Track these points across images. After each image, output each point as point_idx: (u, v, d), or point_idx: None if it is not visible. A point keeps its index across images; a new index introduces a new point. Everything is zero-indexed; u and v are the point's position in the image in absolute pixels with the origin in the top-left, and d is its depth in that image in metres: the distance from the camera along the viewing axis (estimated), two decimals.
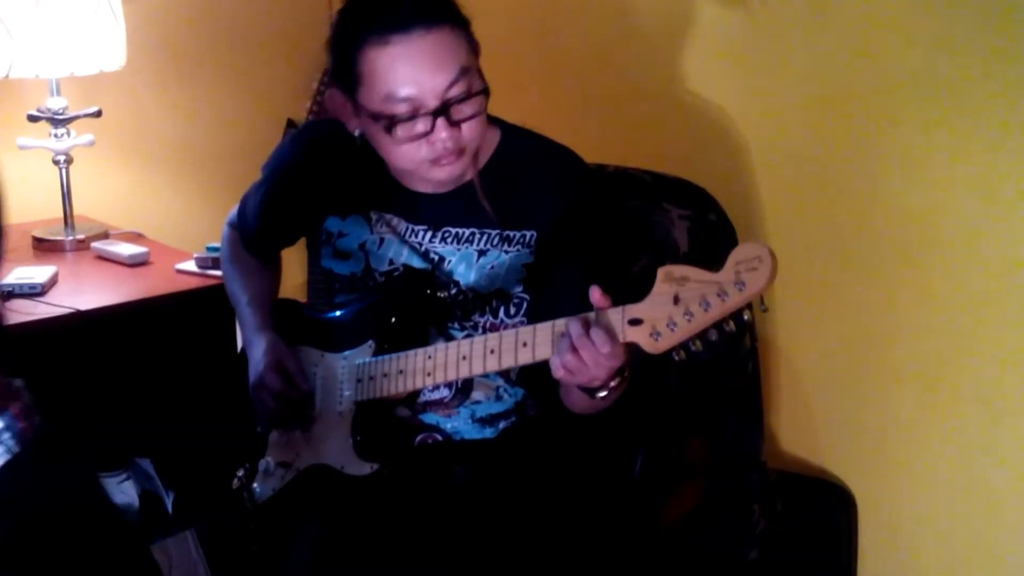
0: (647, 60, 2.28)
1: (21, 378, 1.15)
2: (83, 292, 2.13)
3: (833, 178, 2.02)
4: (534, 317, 1.57)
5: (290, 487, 1.65)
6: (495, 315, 1.61)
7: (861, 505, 2.09)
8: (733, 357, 1.84)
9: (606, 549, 1.61)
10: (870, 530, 2.08)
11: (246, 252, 1.83)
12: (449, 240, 1.61)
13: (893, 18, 1.89)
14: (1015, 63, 1.75)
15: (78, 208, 2.44)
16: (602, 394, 1.42)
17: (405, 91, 1.46)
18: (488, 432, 1.66)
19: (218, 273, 2.10)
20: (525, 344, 1.41)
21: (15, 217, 2.48)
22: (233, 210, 1.85)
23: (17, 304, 2.04)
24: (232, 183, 2.12)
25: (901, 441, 2.02)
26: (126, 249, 2.32)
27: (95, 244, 2.36)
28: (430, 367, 1.52)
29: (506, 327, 1.56)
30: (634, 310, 1.32)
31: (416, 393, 1.62)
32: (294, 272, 2.11)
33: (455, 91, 1.47)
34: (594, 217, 1.61)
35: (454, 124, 1.48)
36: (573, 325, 1.35)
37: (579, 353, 1.34)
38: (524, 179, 1.59)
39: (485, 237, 1.60)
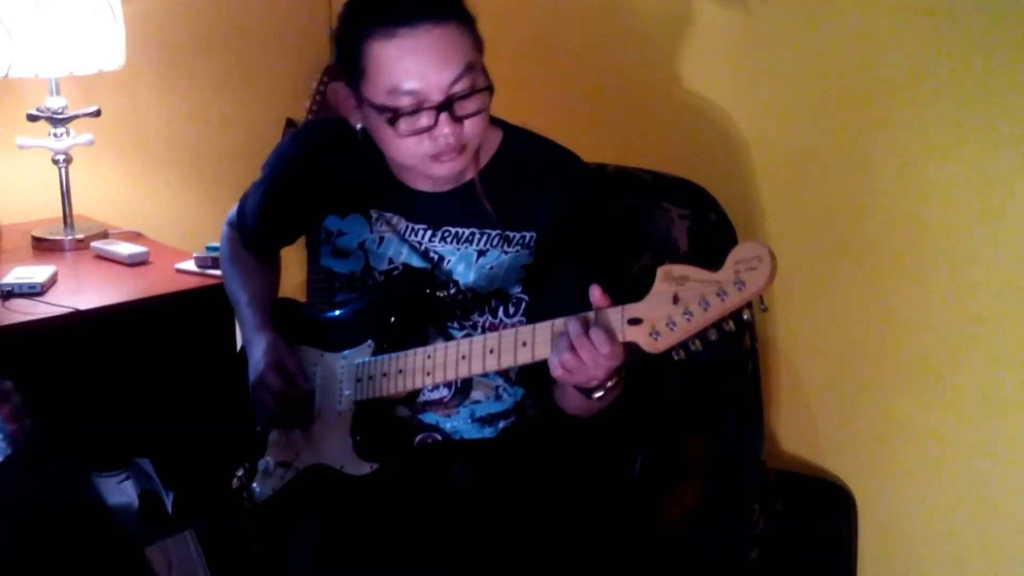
0: (647, 60, 2.28)
1: (11, 380, 1.15)
2: (82, 292, 2.13)
3: (833, 177, 2.02)
4: (533, 317, 1.56)
5: (290, 487, 1.65)
6: (494, 315, 1.61)
7: (861, 505, 2.08)
8: (733, 357, 1.84)
9: (606, 549, 1.61)
10: (870, 530, 2.08)
11: (245, 251, 1.83)
12: (449, 240, 1.61)
13: (892, 18, 1.89)
14: (1014, 63, 1.75)
15: (77, 208, 2.44)
16: (598, 394, 1.42)
17: (410, 84, 1.45)
18: (488, 432, 1.66)
19: (218, 273, 2.10)
20: (524, 344, 1.41)
21: (14, 217, 2.48)
22: (232, 209, 1.85)
23: (16, 304, 2.04)
24: (232, 183, 2.12)
25: (901, 441, 2.02)
26: (125, 249, 2.32)
27: (94, 244, 2.36)
28: (429, 366, 1.52)
29: (505, 327, 1.56)
30: (633, 309, 1.32)
31: (416, 393, 1.62)
32: (293, 272, 2.11)
33: (459, 87, 1.47)
34: (594, 218, 1.61)
35: (457, 120, 1.47)
36: (572, 324, 1.35)
37: (577, 352, 1.34)
38: (525, 180, 1.59)
39: (485, 237, 1.60)
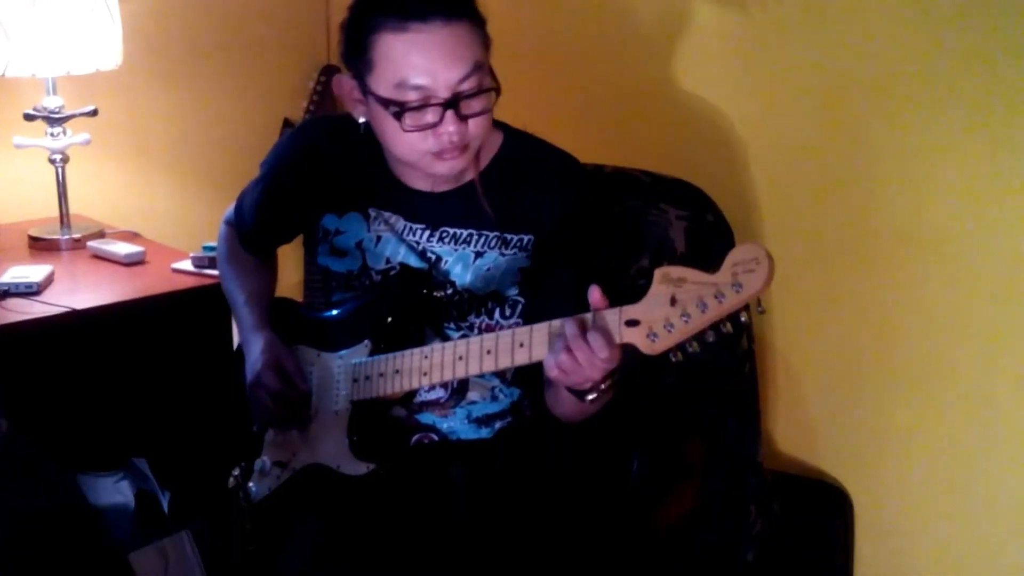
0: (645, 61, 2.28)
1: None
2: (79, 291, 2.13)
3: (831, 179, 2.02)
4: (530, 318, 1.56)
5: (286, 487, 1.65)
6: (490, 316, 1.61)
7: (858, 507, 2.08)
8: (730, 358, 1.84)
9: (603, 550, 1.61)
10: (867, 532, 2.08)
11: (243, 249, 1.83)
12: (447, 240, 1.61)
13: (891, 18, 1.89)
14: (1014, 63, 1.75)
15: (74, 207, 2.44)
16: (591, 396, 1.41)
17: (418, 79, 1.45)
18: (484, 432, 1.66)
19: (214, 272, 2.10)
20: (522, 345, 1.41)
21: (11, 216, 2.48)
22: (230, 207, 1.85)
23: (13, 303, 2.04)
24: (228, 182, 2.12)
25: (898, 442, 2.02)
26: (122, 248, 2.32)
27: (91, 243, 2.36)
28: (427, 367, 1.52)
29: (501, 328, 1.56)
30: (631, 311, 1.31)
31: (412, 393, 1.62)
32: (290, 272, 2.11)
33: (467, 85, 1.47)
34: (593, 221, 1.61)
35: (462, 118, 1.48)
36: (569, 326, 1.35)
37: (574, 354, 1.34)
38: (524, 183, 1.59)
39: (483, 239, 1.60)
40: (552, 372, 1.38)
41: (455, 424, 1.65)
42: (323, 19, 2.93)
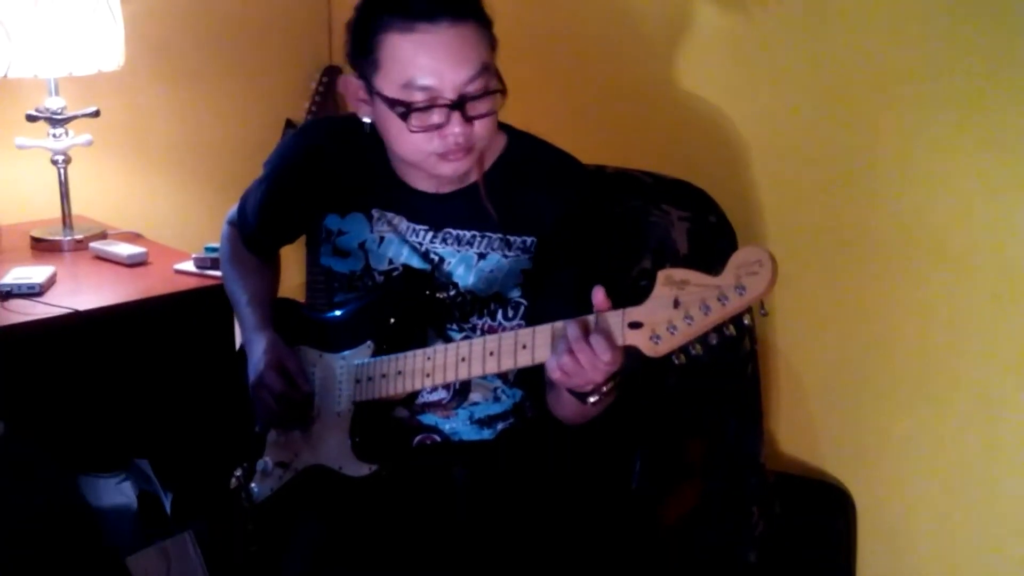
0: (647, 61, 2.28)
1: None
2: (81, 292, 2.13)
3: (832, 179, 2.02)
4: (532, 320, 1.57)
5: (288, 487, 1.65)
6: (493, 318, 1.61)
7: (860, 507, 2.08)
8: (733, 359, 1.84)
9: (605, 551, 1.61)
10: (869, 532, 2.08)
11: (246, 250, 1.83)
12: (450, 241, 1.61)
13: (892, 18, 1.89)
14: (1015, 63, 1.75)
15: (76, 208, 2.44)
16: (593, 399, 1.41)
17: (425, 80, 1.45)
18: (486, 433, 1.66)
19: (216, 274, 2.10)
20: (524, 346, 1.41)
21: (13, 217, 2.48)
22: (233, 208, 1.85)
23: (15, 304, 2.04)
24: (231, 183, 2.12)
25: (900, 443, 2.02)
26: (124, 249, 2.32)
27: (93, 244, 2.36)
28: (429, 368, 1.52)
29: (504, 330, 1.56)
30: (634, 313, 1.31)
31: (414, 394, 1.62)
32: (292, 273, 2.11)
33: (473, 87, 1.47)
34: (595, 223, 1.61)
35: (468, 120, 1.47)
36: (571, 328, 1.35)
37: (576, 356, 1.34)
38: (527, 185, 1.59)
39: (486, 240, 1.60)
40: (554, 374, 1.38)
41: (457, 425, 1.65)
42: (325, 19, 2.93)
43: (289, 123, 2.79)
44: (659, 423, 1.85)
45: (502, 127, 1.61)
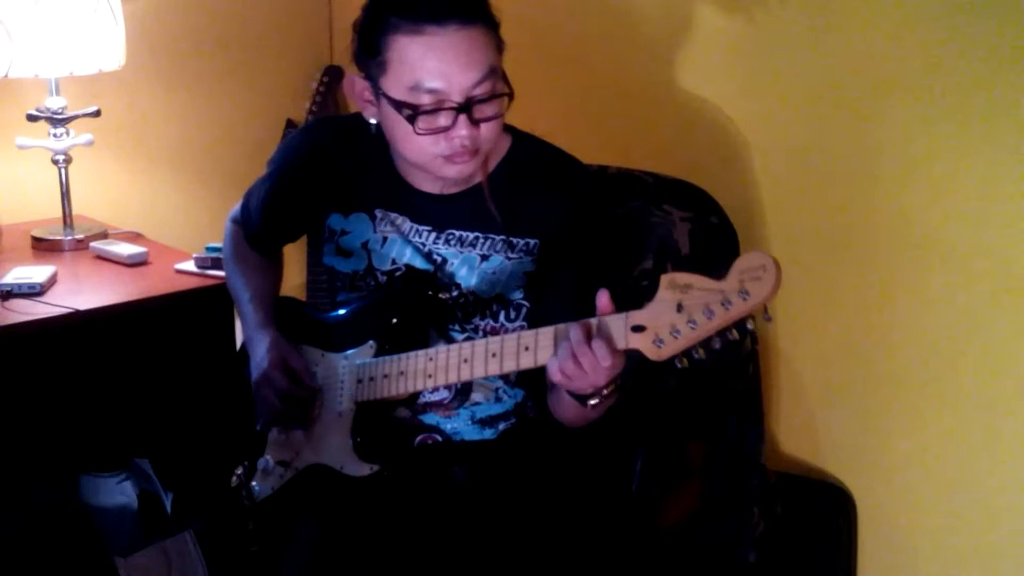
0: (649, 62, 2.28)
1: None
2: (82, 292, 2.13)
3: (834, 180, 2.02)
4: (534, 321, 1.57)
5: (289, 486, 1.65)
6: (495, 319, 1.62)
7: (861, 507, 2.09)
8: (734, 359, 1.84)
9: (605, 551, 1.61)
10: (870, 532, 2.08)
11: (248, 248, 1.83)
12: (452, 242, 1.61)
13: (893, 19, 1.89)
14: (1015, 63, 1.76)
15: (77, 208, 2.44)
16: (593, 402, 1.41)
17: (432, 83, 1.45)
18: (488, 433, 1.66)
19: (218, 273, 2.10)
20: (527, 348, 1.41)
21: (14, 217, 2.48)
22: (236, 206, 1.85)
23: (16, 304, 2.04)
24: (231, 183, 2.13)
25: (901, 443, 2.02)
26: (125, 249, 2.31)
27: (94, 244, 2.36)
28: (431, 369, 1.52)
29: (506, 331, 1.56)
30: (637, 316, 1.31)
31: (416, 394, 1.62)
32: (293, 273, 2.11)
33: (480, 90, 1.47)
34: (597, 225, 1.61)
35: (475, 123, 1.47)
36: (574, 331, 1.35)
37: (578, 359, 1.34)
38: (531, 188, 1.59)
39: (489, 242, 1.60)
40: (555, 376, 1.38)
41: (459, 425, 1.65)
42: (326, 20, 2.92)
43: (290, 123, 2.79)
44: (659, 424, 1.85)
45: (506, 128, 1.61)
